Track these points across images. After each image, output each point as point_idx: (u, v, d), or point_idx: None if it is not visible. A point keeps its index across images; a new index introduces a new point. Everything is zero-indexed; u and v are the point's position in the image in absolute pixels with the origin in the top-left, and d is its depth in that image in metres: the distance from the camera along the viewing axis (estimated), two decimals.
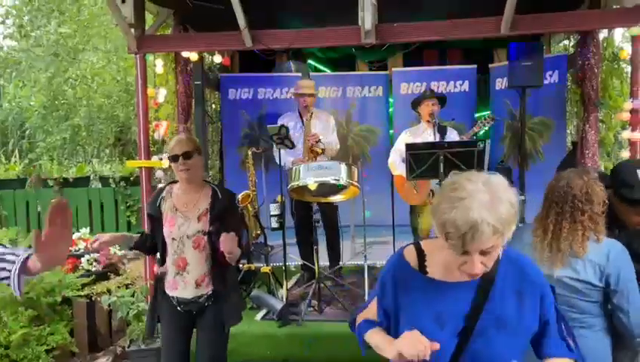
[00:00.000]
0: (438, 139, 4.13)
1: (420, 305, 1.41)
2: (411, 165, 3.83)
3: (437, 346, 1.28)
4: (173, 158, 2.51)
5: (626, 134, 3.72)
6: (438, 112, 4.33)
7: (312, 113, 4.57)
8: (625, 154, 3.74)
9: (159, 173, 4.36)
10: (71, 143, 8.28)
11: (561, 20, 3.70)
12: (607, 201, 1.99)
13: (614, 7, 3.90)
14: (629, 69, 4.01)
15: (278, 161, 4.15)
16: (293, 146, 4.01)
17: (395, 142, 4.65)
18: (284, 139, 3.90)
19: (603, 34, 4.45)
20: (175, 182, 2.65)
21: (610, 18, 3.80)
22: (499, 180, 1.29)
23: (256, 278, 4.51)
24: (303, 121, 4.58)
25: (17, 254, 1.42)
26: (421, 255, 1.45)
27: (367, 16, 3.55)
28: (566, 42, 6.07)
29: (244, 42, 3.90)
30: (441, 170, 3.78)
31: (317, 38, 3.92)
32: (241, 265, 4.51)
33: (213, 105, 6.11)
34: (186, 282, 2.54)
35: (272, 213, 4.21)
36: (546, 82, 4.51)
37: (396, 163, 4.45)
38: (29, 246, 1.45)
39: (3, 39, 9.32)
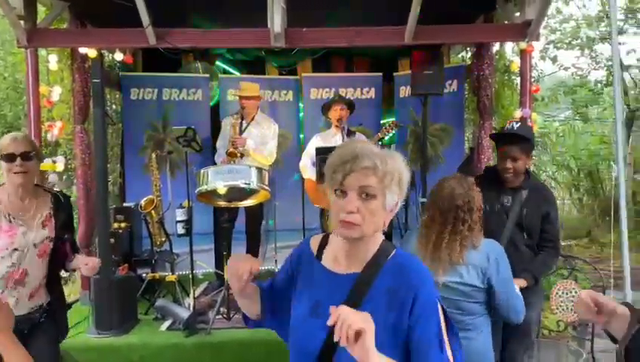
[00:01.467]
0: None
1: (306, 289, 1.41)
2: (321, 169, 3.88)
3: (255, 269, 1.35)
4: (8, 158, 2.18)
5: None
6: (346, 117, 4.42)
7: (253, 117, 4.48)
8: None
9: (52, 177, 4.03)
10: None
11: (458, 32, 3.93)
12: (482, 206, 2.15)
13: (505, 22, 4.21)
14: (519, 80, 4.35)
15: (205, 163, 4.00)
16: (200, 149, 3.90)
17: (307, 146, 4.68)
18: (191, 141, 3.78)
19: (496, 47, 4.79)
20: None
21: (501, 32, 4.11)
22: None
23: (161, 288, 4.31)
24: (241, 124, 4.49)
25: None
26: (323, 243, 1.46)
27: (276, 20, 3.54)
28: (464, 54, 6.48)
29: (148, 40, 3.73)
30: None
31: (225, 38, 3.85)
32: (144, 274, 4.29)
33: (114, 106, 5.78)
34: (20, 297, 2.25)
35: (177, 219, 4.04)
36: (446, 91, 4.76)
37: (307, 166, 4.48)
38: None
39: None
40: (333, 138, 4.43)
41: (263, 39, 3.72)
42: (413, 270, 1.35)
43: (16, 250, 2.22)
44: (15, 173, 2.19)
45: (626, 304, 1.33)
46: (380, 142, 4.42)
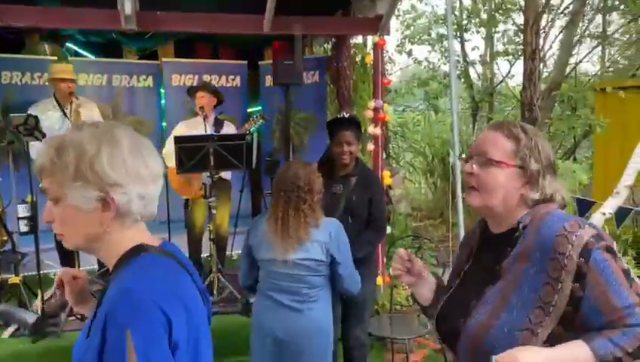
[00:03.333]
0: (211, 133, 4.14)
1: None
2: (181, 158, 3.77)
3: None
4: None
5: (370, 129, 4.26)
6: (210, 105, 4.33)
7: (76, 102, 4.11)
8: (370, 146, 4.29)
9: None
10: None
11: (315, 24, 4.05)
12: (322, 190, 2.39)
13: (360, 16, 4.43)
14: None
15: (31, 155, 3.63)
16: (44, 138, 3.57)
17: (172, 133, 4.49)
18: (33, 130, 3.45)
19: (356, 40, 5.03)
20: None
21: (355, 26, 4.32)
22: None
23: (4, 291, 3.90)
24: (63, 111, 4.11)
25: None
26: None
27: (126, 1, 3.35)
28: (326, 45, 6.69)
29: None
30: (212, 163, 3.82)
31: (70, 18, 3.55)
32: None
33: None
34: None
35: (20, 216, 3.67)
36: (308, 81, 4.90)
37: (172, 154, 4.30)
38: None
39: None
40: (199, 126, 4.30)
41: (113, 21, 3.50)
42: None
43: None
44: None
45: (435, 275, 1.52)
46: (247, 132, 4.40)
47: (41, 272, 3.69)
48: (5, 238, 3.95)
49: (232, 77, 5.53)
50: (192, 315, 1.03)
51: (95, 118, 4.26)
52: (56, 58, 5.02)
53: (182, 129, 4.35)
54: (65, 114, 4.13)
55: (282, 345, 2.32)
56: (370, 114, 4.29)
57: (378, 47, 4.19)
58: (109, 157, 1.02)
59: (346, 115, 3.09)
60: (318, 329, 2.34)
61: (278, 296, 2.34)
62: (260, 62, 5.65)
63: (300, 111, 5.31)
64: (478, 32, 10.26)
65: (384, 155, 4.61)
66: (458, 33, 10.05)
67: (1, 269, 4.00)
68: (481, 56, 10.90)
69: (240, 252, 5.19)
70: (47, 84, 4.85)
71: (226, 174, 4.39)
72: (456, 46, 9.89)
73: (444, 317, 1.37)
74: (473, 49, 10.74)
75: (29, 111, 3.90)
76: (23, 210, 3.66)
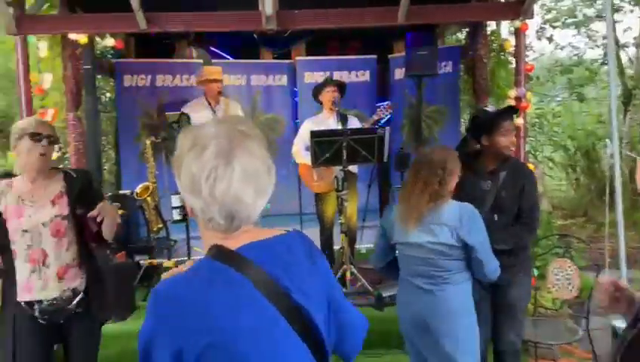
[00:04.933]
0: (339, 127, 4.19)
1: None
2: (316, 152, 3.86)
3: None
4: (35, 136, 2.16)
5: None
6: (339, 100, 4.39)
7: (225, 101, 4.44)
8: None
9: None
10: None
11: (451, 12, 3.90)
12: (459, 174, 2.31)
13: (499, 1, 4.17)
14: (514, 60, 4.32)
15: None
16: None
17: (299, 131, 4.65)
18: (185, 127, 3.76)
19: (492, 27, 4.76)
20: (9, 176, 2.31)
21: (495, 11, 4.07)
22: None
23: (160, 273, 4.32)
24: (213, 110, 4.45)
25: None
26: None
27: (267, 2, 3.50)
28: (459, 35, 6.43)
29: (139, 24, 3.69)
30: (344, 157, 3.86)
31: (216, 21, 3.80)
32: (142, 261, 4.31)
33: (108, 94, 5.75)
34: (47, 278, 2.21)
35: (173, 205, 4.04)
36: (441, 72, 4.73)
37: (300, 151, 4.45)
38: None
39: None
40: (326, 121, 4.39)
41: (254, 22, 3.69)
42: None
43: (26, 231, 2.19)
44: (41, 153, 2.18)
45: None
46: (376, 125, 4.40)
47: (191, 258, 4.02)
48: (160, 226, 4.36)
49: (361, 72, 5.54)
50: (219, 332, 1.00)
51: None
52: (201, 61, 5.44)
53: (308, 126, 4.44)
54: (214, 112, 4.45)
55: (421, 327, 2.32)
56: (512, 103, 4.02)
57: (520, 32, 3.92)
58: (185, 165, 1.05)
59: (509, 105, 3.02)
60: (450, 310, 2.28)
61: (414, 280, 2.35)
62: (389, 56, 5.60)
63: (429, 104, 5.17)
64: (631, 11, 9.16)
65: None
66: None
67: (156, 254, 4.44)
68: (635, 38, 9.74)
69: (369, 246, 5.24)
70: (194, 85, 5.29)
71: (354, 168, 4.41)
72: (607, 28, 8.94)
73: None
74: (626, 30, 9.60)
75: (182, 110, 4.27)
76: (175, 200, 4.02)
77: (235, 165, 1.02)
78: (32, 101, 3.96)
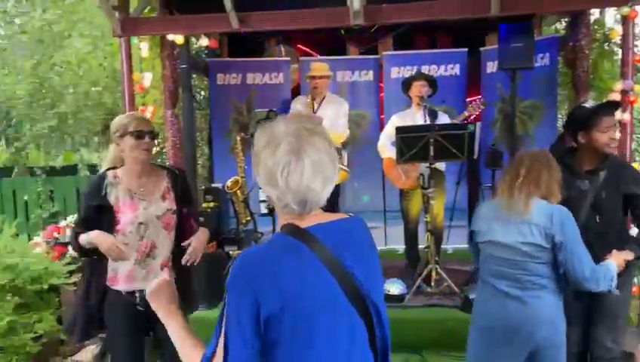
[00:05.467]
0: (428, 123, 4.09)
1: None
2: (401, 148, 3.80)
3: None
4: (139, 135, 2.27)
5: (617, 115, 3.68)
6: (428, 94, 4.28)
7: (324, 97, 4.53)
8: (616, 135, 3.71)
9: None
10: (57, 131, 8.13)
11: (551, 1, 3.65)
12: (560, 175, 2.22)
13: None
14: (619, 50, 3.98)
15: None
16: None
17: (385, 126, 4.60)
18: None
19: (594, 15, 4.41)
20: (114, 168, 2.41)
21: None
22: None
23: None
24: (314, 106, 4.55)
25: None
26: None
27: None
28: (558, 25, 6.04)
29: (231, 24, 3.82)
30: (432, 154, 3.76)
31: (305, 18, 3.84)
32: (231, 252, 4.48)
33: (202, 92, 6.03)
34: (150, 269, 2.32)
35: (260, 199, 4.16)
36: (537, 65, 4.46)
37: (386, 146, 4.39)
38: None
39: None
40: (414, 117, 4.30)
41: (342, 17, 3.69)
42: None
43: (141, 223, 2.31)
44: (143, 149, 2.30)
45: None
46: (465, 120, 4.25)
47: None
48: (249, 218, 4.51)
49: (450, 66, 5.39)
50: (288, 294, 1.16)
51: (341, 113, 4.58)
52: (289, 59, 5.55)
53: (395, 121, 4.37)
54: (313, 108, 4.53)
55: (499, 333, 2.19)
56: (615, 98, 3.72)
57: (629, 19, 3.60)
58: (262, 161, 1.22)
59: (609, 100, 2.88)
60: (540, 320, 2.15)
61: (495, 282, 2.24)
62: (481, 49, 5.38)
63: (523, 98, 4.90)
64: None
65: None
66: None
67: (244, 245, 4.60)
68: None
69: (455, 246, 5.08)
70: (282, 82, 5.42)
71: (441, 165, 4.28)
72: None
73: None
74: None
75: (291, 105, 4.51)
76: (262, 194, 4.13)
77: (305, 159, 1.18)
78: (134, 99, 4.25)
